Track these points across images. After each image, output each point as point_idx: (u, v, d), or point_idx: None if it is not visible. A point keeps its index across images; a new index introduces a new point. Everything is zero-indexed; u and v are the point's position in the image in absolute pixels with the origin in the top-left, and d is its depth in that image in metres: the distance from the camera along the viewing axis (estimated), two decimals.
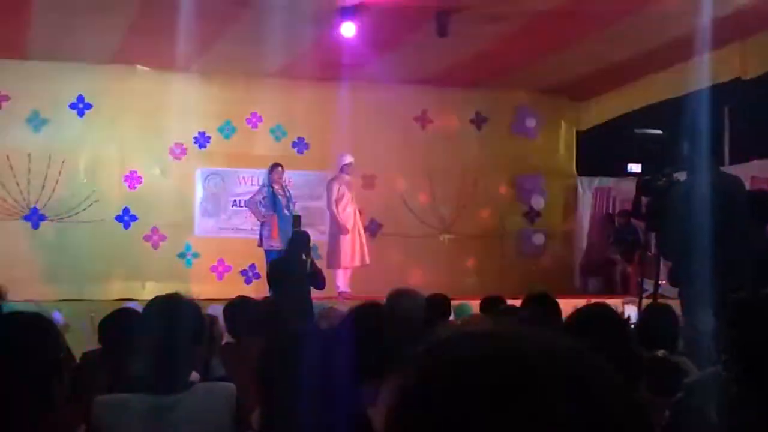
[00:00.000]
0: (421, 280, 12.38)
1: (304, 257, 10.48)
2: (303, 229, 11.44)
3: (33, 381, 2.61)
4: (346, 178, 12.92)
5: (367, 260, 12.92)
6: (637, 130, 8.49)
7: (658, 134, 8.11)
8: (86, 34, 11.48)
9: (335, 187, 12.79)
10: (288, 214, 12.21)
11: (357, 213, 13.03)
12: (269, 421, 2.87)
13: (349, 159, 12.94)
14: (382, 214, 14.45)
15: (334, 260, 12.84)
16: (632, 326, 5.43)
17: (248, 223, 13.02)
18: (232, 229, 13.56)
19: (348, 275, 12.88)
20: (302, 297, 9.88)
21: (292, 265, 10.32)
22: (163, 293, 3.60)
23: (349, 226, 12.79)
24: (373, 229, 14.42)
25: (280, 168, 12.43)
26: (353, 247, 12.86)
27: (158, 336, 3.39)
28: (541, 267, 14.63)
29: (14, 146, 12.94)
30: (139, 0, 10.13)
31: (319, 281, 10.49)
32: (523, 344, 1.05)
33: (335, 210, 12.75)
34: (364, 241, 13.02)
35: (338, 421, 2.82)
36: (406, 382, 1.06)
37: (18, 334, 2.67)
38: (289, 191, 12.51)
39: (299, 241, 10.69)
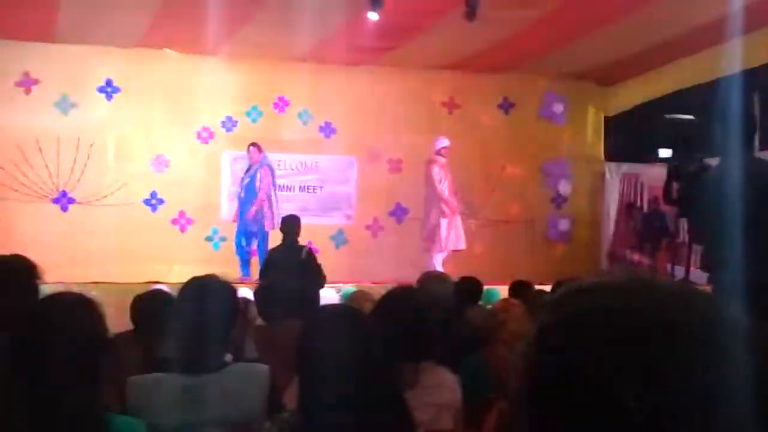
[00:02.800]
0: (448, 265, 12.36)
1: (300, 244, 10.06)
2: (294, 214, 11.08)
3: (81, 359, 2.62)
4: (442, 160, 12.92)
5: (463, 245, 12.90)
6: (668, 116, 8.44)
7: (690, 119, 8.06)
8: (115, 17, 11.50)
9: (435, 169, 12.80)
10: (243, 194, 12.47)
11: (453, 197, 12.99)
12: (307, 400, 2.87)
13: (445, 142, 12.94)
14: (409, 199, 14.42)
15: (434, 244, 12.88)
16: None
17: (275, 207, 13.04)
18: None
19: (439, 260, 12.88)
20: (298, 285, 9.26)
21: (287, 252, 9.81)
22: (198, 275, 3.61)
23: (442, 210, 12.81)
24: (399, 214, 14.42)
25: (250, 147, 12.65)
26: (449, 231, 12.87)
27: (194, 316, 3.40)
28: (568, 253, 14.58)
29: (43, 130, 13.00)
30: None
31: (321, 278, 9.68)
32: (660, 295, 1.05)
33: (441, 189, 12.77)
34: (459, 224, 12.98)
35: (375, 403, 2.82)
36: (548, 325, 1.07)
37: (67, 313, 2.68)
38: (258, 171, 12.54)
39: (292, 225, 10.20)
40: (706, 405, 0.96)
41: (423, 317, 3.92)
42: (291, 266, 9.21)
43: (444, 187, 12.76)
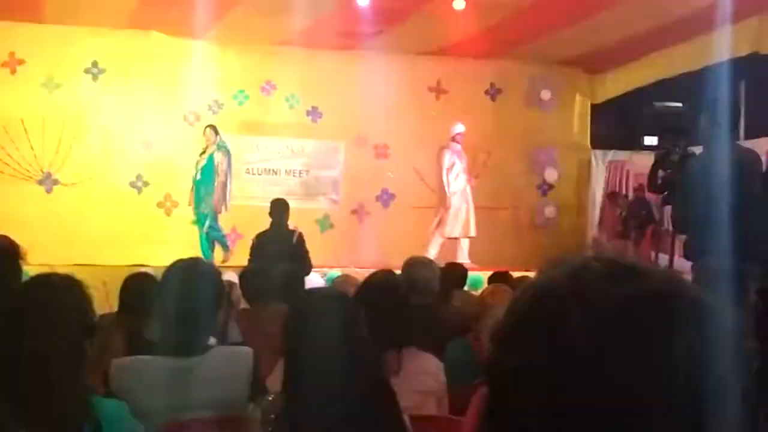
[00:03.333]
0: (434, 250, 12.38)
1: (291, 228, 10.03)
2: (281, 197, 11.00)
3: (69, 340, 2.62)
4: (457, 147, 12.97)
5: (472, 232, 12.97)
6: (656, 103, 8.44)
7: (678, 107, 8.06)
8: None
9: (446, 155, 12.89)
10: (200, 176, 12.31)
11: (468, 183, 13.11)
12: (291, 383, 2.88)
13: (460, 128, 13.02)
14: (396, 184, 14.45)
15: (438, 229, 12.96)
16: None
17: (261, 191, 13.00)
18: (245, 197, 13.52)
19: (466, 246, 12.97)
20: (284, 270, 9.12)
21: (275, 235, 9.76)
22: (183, 258, 3.61)
23: (457, 196, 12.89)
24: (385, 199, 14.43)
25: (207, 129, 12.55)
26: (456, 217, 12.89)
27: (179, 299, 3.41)
28: (554, 240, 14.60)
29: (28, 110, 12.94)
30: None
31: (308, 265, 9.64)
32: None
33: (445, 179, 12.88)
34: (470, 212, 13.01)
35: (360, 386, 2.83)
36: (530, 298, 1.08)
37: (52, 294, 2.68)
38: (215, 153, 12.41)
39: (281, 209, 10.13)
40: (691, 383, 0.98)
41: (404, 303, 3.92)
42: (281, 250, 9.21)
43: (454, 174, 12.83)
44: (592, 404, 0.98)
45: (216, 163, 12.30)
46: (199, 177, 12.34)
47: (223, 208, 12.40)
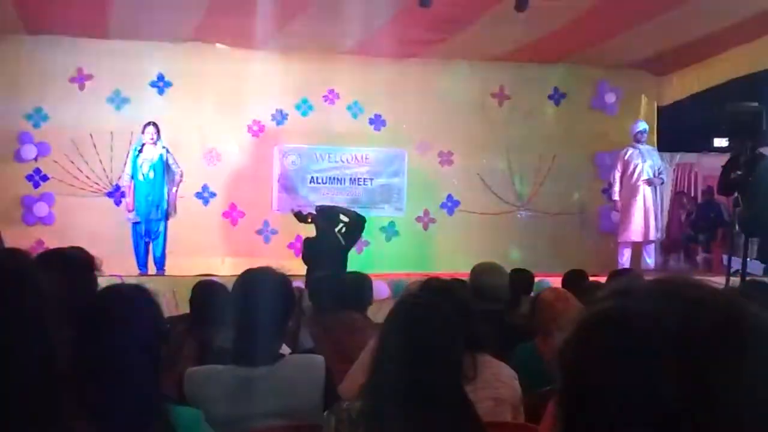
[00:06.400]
0: (499, 257, 12.30)
1: (339, 230, 10.07)
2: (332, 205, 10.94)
3: (142, 350, 2.64)
4: (637, 146, 12.98)
5: (651, 236, 12.83)
6: (729, 104, 8.30)
7: (753, 106, 7.92)
8: (166, 12, 11.56)
9: (623, 154, 12.96)
10: (146, 179, 11.69)
11: (647, 184, 12.94)
12: (372, 390, 2.86)
13: (640, 126, 12.99)
14: (460, 191, 14.39)
15: (619, 234, 12.97)
16: None
17: (326, 200, 13.02)
18: (310, 205, 13.60)
19: (649, 251, 12.92)
20: (339, 276, 9.20)
21: (325, 242, 9.88)
22: (254, 266, 3.62)
23: (635, 198, 12.83)
24: (450, 206, 14.39)
25: (150, 126, 11.85)
26: (634, 221, 12.85)
27: (250, 309, 3.42)
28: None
29: (97, 125, 13.13)
30: None
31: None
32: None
33: (616, 182, 12.92)
34: (651, 214, 12.86)
35: (437, 394, 2.81)
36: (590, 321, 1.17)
37: (127, 304, 2.70)
38: (166, 156, 11.87)
39: (328, 215, 10.23)
40: (736, 401, 1.06)
41: (467, 308, 3.88)
42: (331, 255, 9.27)
43: (629, 174, 12.85)
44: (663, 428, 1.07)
45: (168, 163, 11.87)
46: (150, 177, 11.71)
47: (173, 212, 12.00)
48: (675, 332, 1.07)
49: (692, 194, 14.97)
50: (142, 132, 11.87)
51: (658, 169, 12.95)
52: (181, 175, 12.14)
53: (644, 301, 1.13)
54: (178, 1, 11.05)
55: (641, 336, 1.09)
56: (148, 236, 11.83)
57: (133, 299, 2.74)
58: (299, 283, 7.93)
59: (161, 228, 11.87)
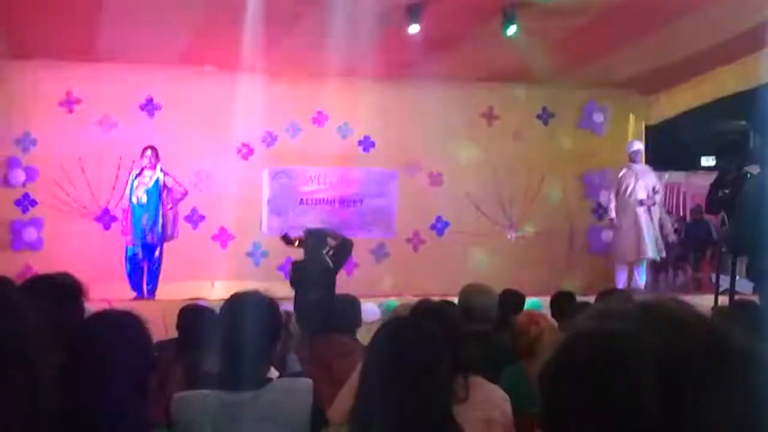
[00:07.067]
0: (489, 277, 12.31)
1: (326, 253, 10.05)
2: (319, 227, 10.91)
3: (130, 376, 2.63)
4: (632, 165, 13.04)
5: (643, 254, 12.82)
6: (716, 123, 8.35)
7: (741, 125, 7.96)
8: (154, 36, 11.59)
9: (620, 174, 13.01)
10: (140, 203, 11.66)
11: (641, 204, 12.94)
12: (360, 413, 2.85)
13: (635, 146, 13.12)
14: (450, 211, 14.41)
15: (614, 254, 13.01)
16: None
17: (316, 222, 13.02)
18: (300, 227, 13.59)
19: (640, 269, 12.91)
20: (328, 298, 9.04)
21: (313, 265, 9.75)
22: (241, 290, 3.62)
23: (626, 218, 12.87)
24: (440, 226, 14.40)
25: (148, 150, 11.82)
26: (627, 241, 12.88)
27: (237, 332, 3.41)
28: (611, 264, 14.45)
29: (86, 148, 13.12)
30: (205, 2, 10.20)
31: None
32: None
33: (612, 201, 12.99)
34: (643, 234, 12.83)
35: (425, 417, 2.81)
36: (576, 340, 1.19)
37: (115, 331, 2.70)
38: (164, 180, 11.86)
39: (316, 238, 10.13)
40: (716, 423, 1.08)
41: (457, 330, 3.88)
42: (319, 280, 9.26)
43: (621, 194, 12.89)
44: None
45: (166, 187, 11.84)
46: (143, 202, 11.70)
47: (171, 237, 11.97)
48: (656, 354, 1.08)
49: (681, 213, 15.01)
50: (141, 156, 11.84)
51: (653, 188, 12.98)
52: (184, 195, 12.11)
53: (625, 323, 1.14)
54: (167, 24, 11.07)
55: (621, 357, 1.10)
56: (142, 260, 11.76)
57: (122, 326, 2.73)
58: (288, 306, 7.92)
59: (156, 254, 11.81)
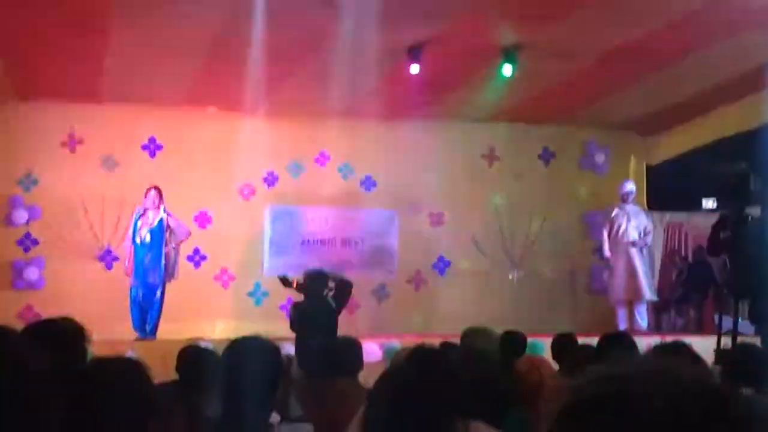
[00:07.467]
0: (491, 317, 12.29)
1: (326, 295, 10.06)
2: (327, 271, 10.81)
3: (131, 424, 2.63)
4: (623, 206, 13.16)
5: (639, 295, 12.88)
6: (717, 165, 8.39)
7: (742, 168, 8.00)
8: (158, 77, 11.67)
9: (612, 216, 13.11)
10: (143, 243, 11.63)
11: (634, 245, 13.04)
12: None
13: (628, 186, 13.22)
14: (452, 251, 14.41)
15: (608, 294, 13.05)
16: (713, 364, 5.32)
17: (317, 262, 13.01)
18: (301, 267, 13.58)
19: (641, 311, 12.94)
20: (328, 341, 8.82)
21: (313, 308, 9.82)
22: (243, 335, 3.61)
23: (619, 258, 12.96)
24: (441, 266, 14.40)
25: (152, 191, 11.81)
26: (620, 281, 12.95)
27: (239, 378, 3.40)
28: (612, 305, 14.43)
29: (88, 188, 13.16)
30: (209, 43, 10.27)
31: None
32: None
33: (605, 240, 13.06)
34: (637, 274, 12.93)
35: None
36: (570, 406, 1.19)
37: (117, 378, 2.69)
38: (167, 220, 11.80)
39: (316, 280, 10.20)
40: None
41: (454, 375, 3.87)
42: (321, 323, 9.26)
43: (614, 233, 12.99)
44: None
45: (169, 228, 11.82)
46: (147, 241, 11.67)
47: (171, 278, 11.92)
48: (661, 419, 1.09)
49: (683, 253, 15.00)
50: (145, 196, 11.85)
51: (644, 229, 13.05)
52: (188, 235, 12.12)
53: (630, 386, 1.14)
54: (170, 66, 11.14)
55: (627, 422, 1.10)
56: (144, 300, 11.70)
57: (123, 374, 2.72)
58: (290, 347, 7.91)
59: (158, 294, 11.75)
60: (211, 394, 4.21)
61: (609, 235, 13.09)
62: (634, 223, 13.00)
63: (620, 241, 12.98)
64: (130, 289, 11.71)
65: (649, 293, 12.88)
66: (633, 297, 12.84)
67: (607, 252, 13.13)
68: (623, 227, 12.99)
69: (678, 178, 14.77)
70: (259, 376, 3.38)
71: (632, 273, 12.82)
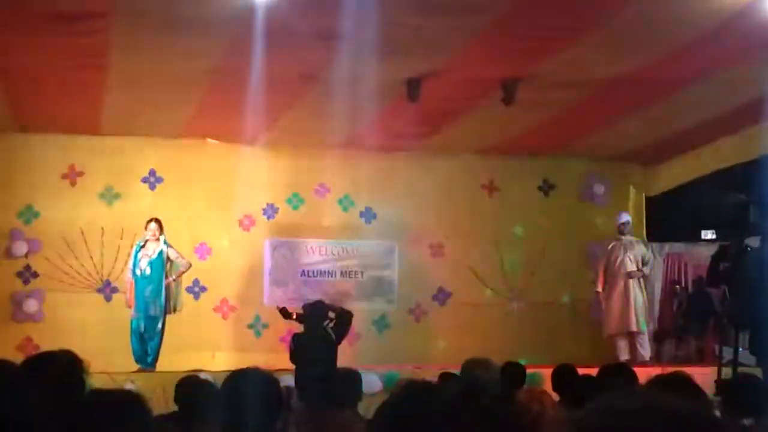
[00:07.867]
0: (491, 348, 12.26)
1: (326, 326, 10.04)
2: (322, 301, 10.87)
3: None
4: (620, 237, 13.23)
5: (634, 327, 12.88)
6: (716, 195, 8.42)
7: (741, 199, 8.02)
8: (157, 109, 11.70)
9: (609, 248, 13.19)
10: (143, 275, 11.58)
11: (629, 275, 13.06)
12: None
13: (624, 218, 13.31)
14: (451, 282, 14.39)
15: (603, 327, 13.07)
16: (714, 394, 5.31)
17: (317, 293, 12.99)
18: (301, 299, 13.56)
19: (643, 342, 12.94)
20: (330, 372, 8.88)
21: (313, 339, 9.83)
22: (243, 366, 3.61)
23: (615, 291, 13.02)
24: (442, 297, 14.38)
25: (152, 223, 11.76)
26: (614, 314, 12.99)
27: (238, 411, 3.40)
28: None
29: (88, 220, 13.17)
30: (208, 76, 10.30)
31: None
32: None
33: (600, 275, 13.16)
34: (633, 306, 12.95)
35: None
36: None
37: (115, 412, 2.68)
38: (167, 252, 11.75)
39: (316, 312, 10.21)
40: None
41: (449, 408, 3.85)
42: (321, 351, 9.26)
43: (611, 265, 13.06)
44: None
45: (169, 260, 11.77)
46: (147, 273, 11.61)
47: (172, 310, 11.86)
48: None
49: (683, 284, 14.99)
50: (145, 228, 11.81)
51: (642, 258, 13.07)
52: (188, 267, 12.10)
53: (629, 420, 1.15)
54: (170, 98, 11.17)
55: None
56: (145, 332, 11.64)
57: (122, 407, 2.72)
58: (290, 379, 7.88)
59: (159, 325, 11.68)
60: (210, 426, 4.20)
61: (606, 269, 13.11)
62: (631, 254, 13.04)
63: (617, 272, 13.01)
64: (132, 320, 11.67)
65: (636, 326, 12.86)
66: (622, 330, 12.85)
67: (599, 287, 13.17)
68: (620, 258, 13.03)
69: (678, 208, 14.78)
70: (258, 408, 3.38)
71: (626, 305, 12.84)
